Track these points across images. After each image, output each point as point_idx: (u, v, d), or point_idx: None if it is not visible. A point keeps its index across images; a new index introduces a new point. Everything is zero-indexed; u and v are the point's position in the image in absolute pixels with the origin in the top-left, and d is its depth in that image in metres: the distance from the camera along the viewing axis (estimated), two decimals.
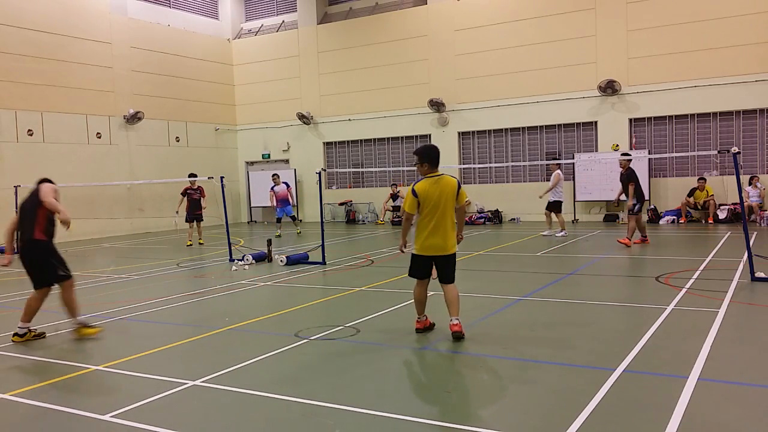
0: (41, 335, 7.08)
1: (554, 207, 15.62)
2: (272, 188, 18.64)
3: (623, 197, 13.62)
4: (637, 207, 12.97)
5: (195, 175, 16.98)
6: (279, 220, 18.80)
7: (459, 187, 6.36)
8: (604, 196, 19.42)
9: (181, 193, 17.15)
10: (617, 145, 19.38)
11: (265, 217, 25.98)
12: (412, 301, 6.69)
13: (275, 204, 18.62)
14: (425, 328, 6.66)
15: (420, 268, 6.49)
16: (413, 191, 6.25)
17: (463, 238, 6.68)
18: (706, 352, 5.54)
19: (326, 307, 8.46)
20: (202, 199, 17.09)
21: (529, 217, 20.45)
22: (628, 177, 13.15)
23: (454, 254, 6.46)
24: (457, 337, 6.24)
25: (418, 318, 6.66)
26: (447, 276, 6.44)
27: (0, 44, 18.42)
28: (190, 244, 16.72)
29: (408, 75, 22.60)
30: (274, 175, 19.16)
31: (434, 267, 6.52)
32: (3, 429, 4.55)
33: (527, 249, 13.50)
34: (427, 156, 6.33)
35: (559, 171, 15.73)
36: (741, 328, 6.57)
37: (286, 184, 18.94)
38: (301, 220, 19.16)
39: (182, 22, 24.30)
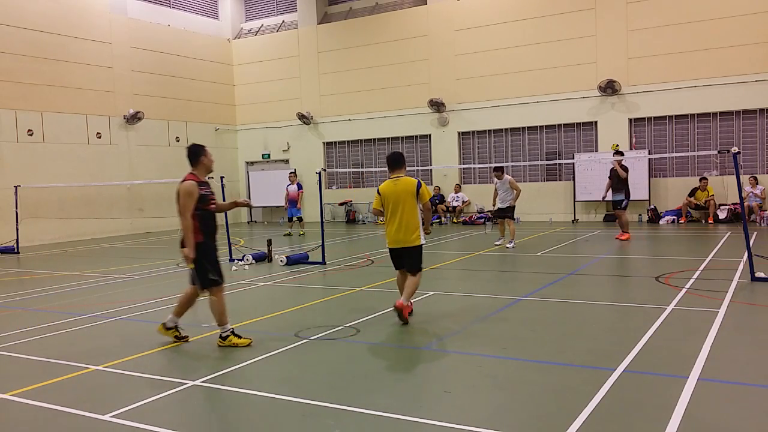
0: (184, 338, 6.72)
1: (512, 213, 14.19)
2: (287, 186, 18.79)
3: (611, 195, 14.51)
4: (625, 202, 14.29)
5: None
6: (290, 219, 18.89)
7: (419, 186, 7.07)
8: None
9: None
10: (617, 145, 19.35)
11: (265, 217, 25.99)
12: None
13: (286, 203, 18.78)
14: (407, 312, 7.01)
15: (392, 258, 7.39)
16: (377, 190, 7.29)
17: (430, 231, 7.42)
18: (706, 352, 5.53)
19: (326, 307, 8.46)
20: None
21: (529, 217, 20.45)
22: (626, 172, 14.29)
23: (418, 246, 7.16)
24: (399, 315, 6.87)
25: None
26: (410, 266, 7.19)
27: (0, 44, 18.42)
28: None
29: (408, 75, 22.59)
30: (290, 173, 19.19)
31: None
32: (3, 429, 4.54)
33: (527, 249, 13.49)
34: (388, 160, 7.33)
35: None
36: (741, 328, 6.57)
37: (299, 185, 18.98)
38: (301, 218, 19.24)
39: (182, 22, 24.29)
